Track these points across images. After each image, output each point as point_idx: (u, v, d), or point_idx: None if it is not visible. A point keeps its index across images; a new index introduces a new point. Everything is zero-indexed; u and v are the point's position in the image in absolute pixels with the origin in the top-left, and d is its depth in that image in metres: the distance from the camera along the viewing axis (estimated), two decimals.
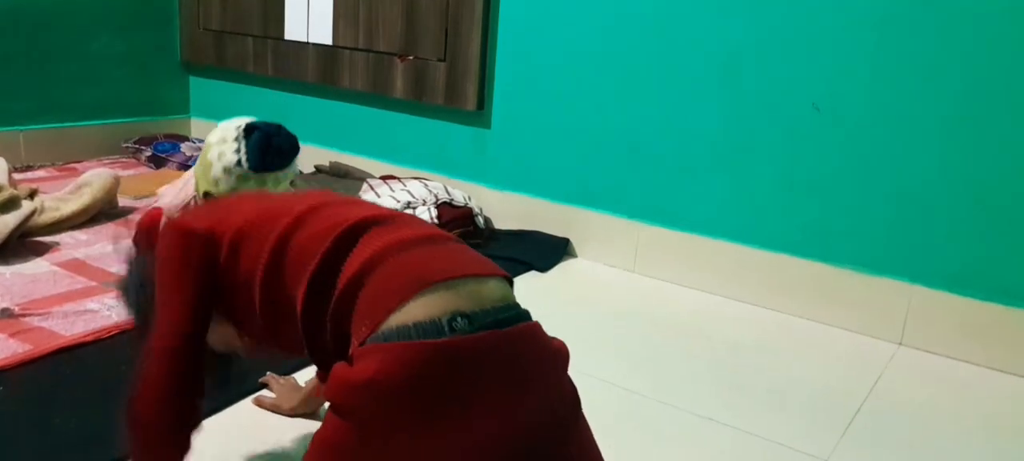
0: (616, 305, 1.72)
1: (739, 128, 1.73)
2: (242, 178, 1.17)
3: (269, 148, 1.18)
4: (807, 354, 1.54)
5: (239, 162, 1.17)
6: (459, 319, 0.67)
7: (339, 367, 0.68)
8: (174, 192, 1.26)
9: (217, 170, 1.18)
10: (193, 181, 1.25)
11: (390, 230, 0.76)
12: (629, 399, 1.30)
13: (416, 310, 0.67)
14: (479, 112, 2.10)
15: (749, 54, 1.69)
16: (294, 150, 1.22)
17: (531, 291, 1.73)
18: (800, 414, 1.30)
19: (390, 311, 0.67)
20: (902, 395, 1.39)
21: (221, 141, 1.19)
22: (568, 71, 1.94)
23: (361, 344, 0.68)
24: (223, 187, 1.18)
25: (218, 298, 0.82)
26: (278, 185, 1.20)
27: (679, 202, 1.84)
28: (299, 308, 0.75)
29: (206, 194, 1.21)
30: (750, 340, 1.58)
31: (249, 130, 1.19)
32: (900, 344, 1.61)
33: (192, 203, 1.25)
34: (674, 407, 1.28)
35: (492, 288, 0.72)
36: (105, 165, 2.41)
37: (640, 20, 1.81)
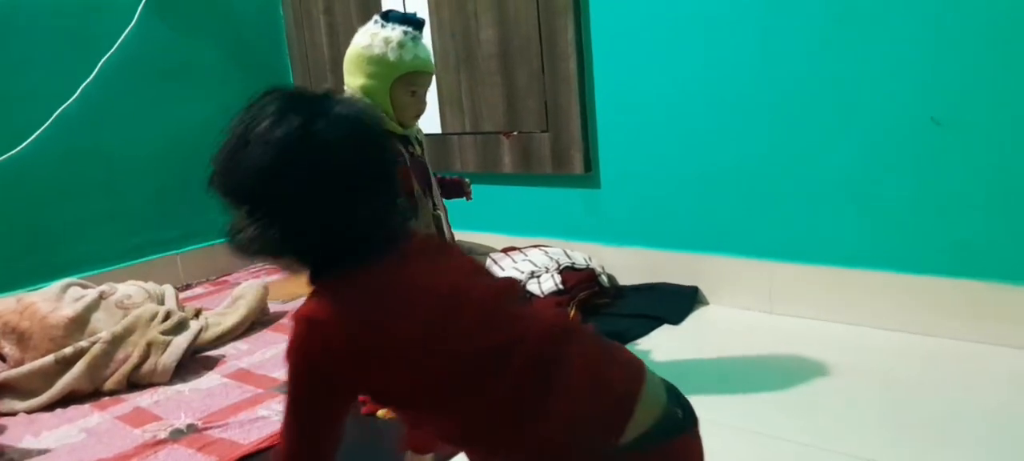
0: (758, 349, 1.68)
1: (859, 151, 1.68)
2: (400, 45, 1.36)
3: (405, 17, 1.39)
4: (972, 378, 1.45)
5: (395, 38, 1.36)
6: (678, 410, 0.78)
7: None
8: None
9: (385, 50, 1.36)
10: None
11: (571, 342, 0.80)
12: (786, 449, 1.27)
13: (643, 416, 0.76)
14: (587, 174, 2.14)
15: (858, 76, 1.65)
16: (421, 21, 1.41)
17: (668, 345, 1.73)
18: (975, 446, 1.22)
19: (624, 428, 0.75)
20: None
21: (370, 34, 1.38)
22: (671, 119, 1.95)
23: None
24: (394, 57, 1.36)
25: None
26: (417, 45, 1.39)
27: (809, 236, 1.79)
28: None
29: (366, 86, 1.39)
30: (907, 370, 1.51)
31: (385, 16, 1.39)
32: None
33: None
34: (835, 452, 1.24)
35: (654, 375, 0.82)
36: (253, 273, 2.62)
37: (738, 58, 1.81)
